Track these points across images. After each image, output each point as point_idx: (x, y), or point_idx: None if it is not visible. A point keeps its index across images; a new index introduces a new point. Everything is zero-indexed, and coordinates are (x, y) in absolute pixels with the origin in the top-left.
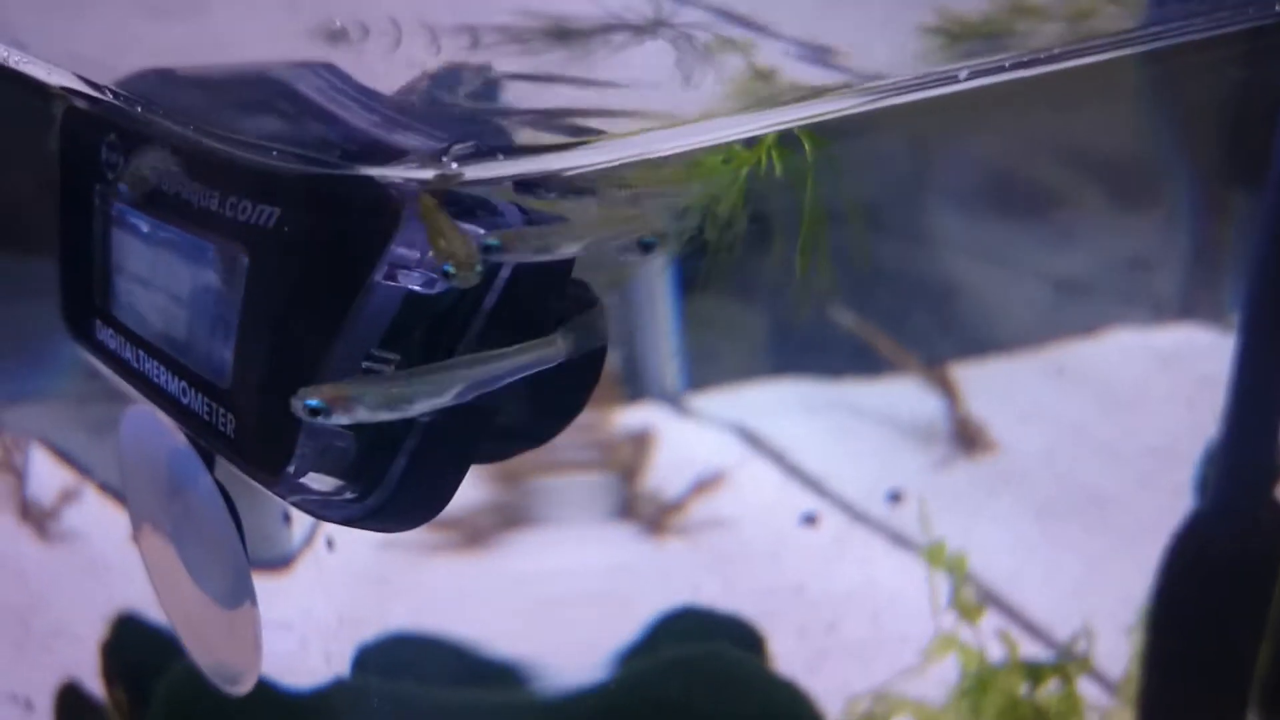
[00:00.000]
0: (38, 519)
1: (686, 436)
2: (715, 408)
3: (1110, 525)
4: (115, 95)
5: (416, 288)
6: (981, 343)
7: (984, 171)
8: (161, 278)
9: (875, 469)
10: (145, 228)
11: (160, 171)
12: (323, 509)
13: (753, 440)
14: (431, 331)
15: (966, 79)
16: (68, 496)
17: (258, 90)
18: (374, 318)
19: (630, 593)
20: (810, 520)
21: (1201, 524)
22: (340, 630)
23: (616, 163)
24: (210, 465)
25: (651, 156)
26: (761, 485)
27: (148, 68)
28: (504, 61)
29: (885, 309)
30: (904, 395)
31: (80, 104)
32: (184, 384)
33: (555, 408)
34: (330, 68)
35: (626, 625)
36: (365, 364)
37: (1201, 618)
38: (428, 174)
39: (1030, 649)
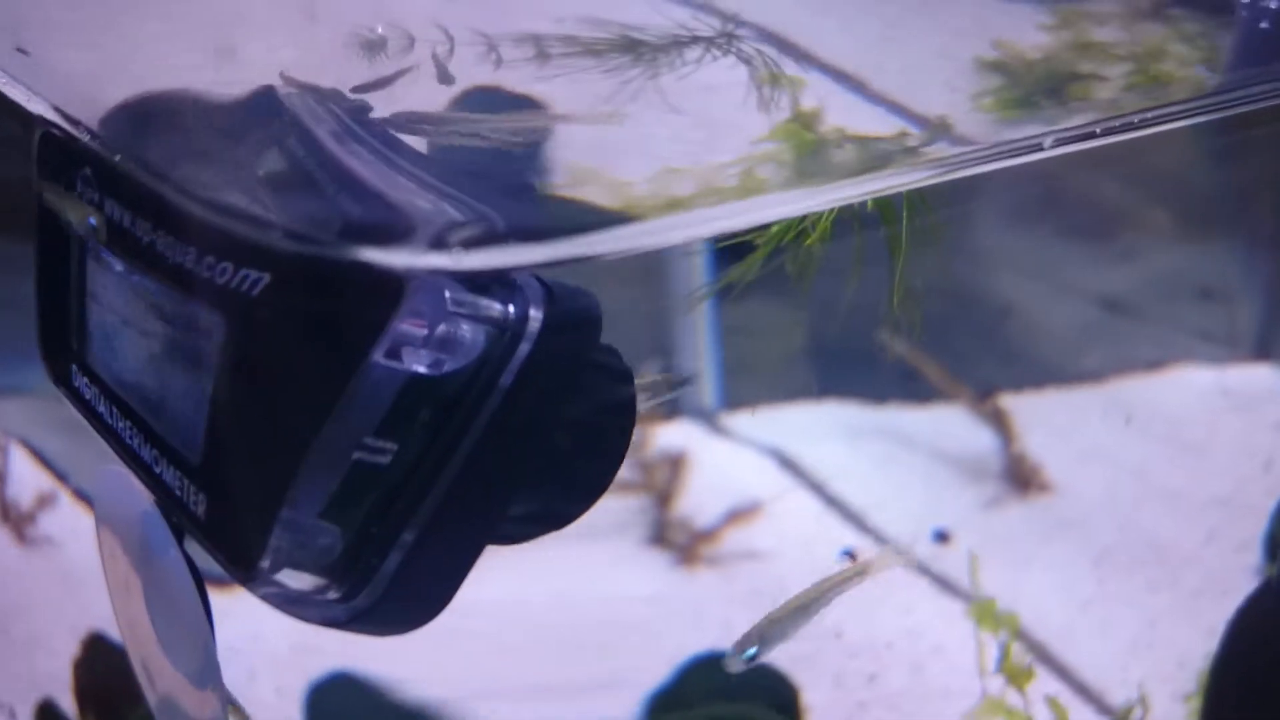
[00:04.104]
0: (16, 522)
1: (722, 458)
2: (753, 429)
3: (1171, 580)
4: (92, 135)
5: (422, 369)
6: (1039, 373)
7: (1045, 187)
8: (135, 330)
9: (921, 505)
10: (120, 270)
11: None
12: (299, 608)
13: (791, 466)
14: (438, 417)
15: (1044, 147)
16: (44, 501)
17: (256, 126)
18: (370, 402)
19: (661, 626)
20: (850, 557)
21: (1269, 595)
22: (292, 660)
23: (669, 244)
24: (180, 538)
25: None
26: (799, 516)
27: (127, 101)
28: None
29: (937, 332)
30: (954, 425)
31: (57, 131)
32: (156, 452)
33: (579, 485)
34: (341, 102)
35: (656, 663)
36: (357, 454)
37: (1262, 697)
38: (431, 261)
39: (1080, 712)
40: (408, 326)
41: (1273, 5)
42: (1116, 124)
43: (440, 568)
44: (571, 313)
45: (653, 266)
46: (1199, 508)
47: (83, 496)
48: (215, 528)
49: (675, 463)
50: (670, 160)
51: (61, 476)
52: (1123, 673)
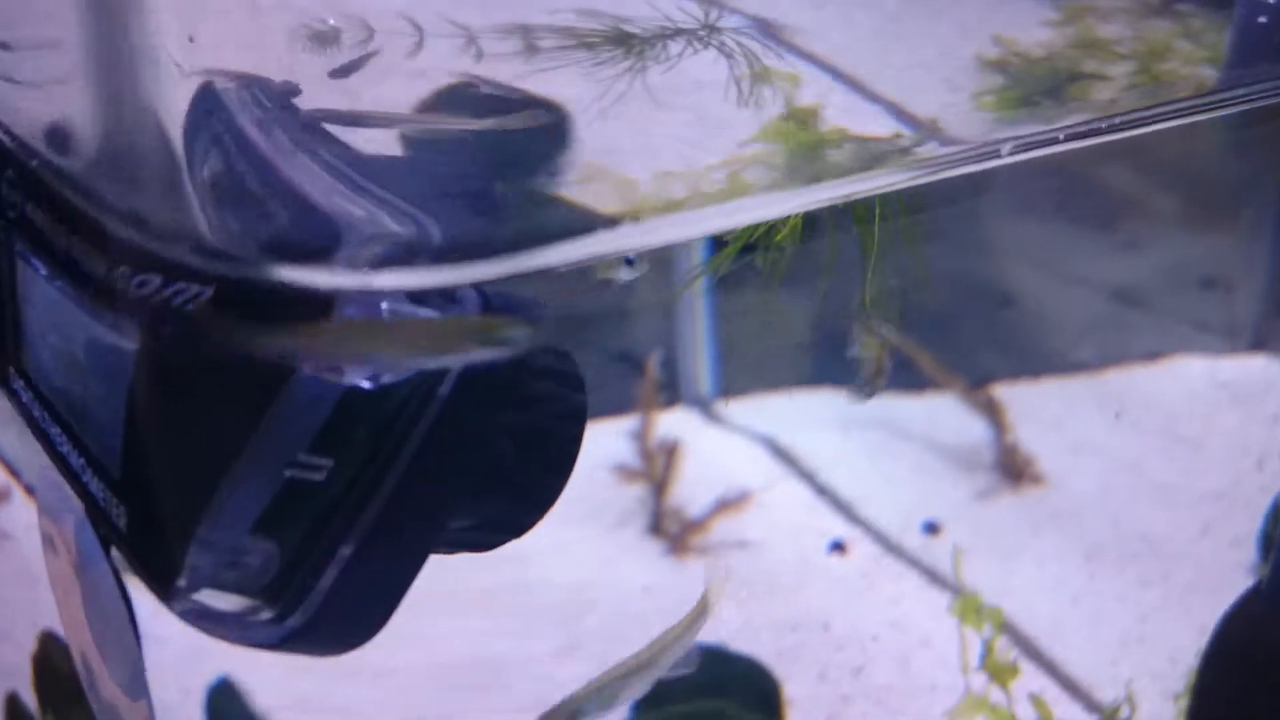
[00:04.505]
0: None
1: (716, 447)
2: (746, 417)
3: (1163, 575)
4: (12, 137)
5: (359, 382)
6: (1035, 363)
7: (1046, 173)
8: (60, 335)
9: (912, 496)
10: (45, 274)
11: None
12: (225, 629)
13: (783, 455)
14: (376, 430)
15: (1013, 151)
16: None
17: (199, 125)
18: (300, 417)
19: (653, 618)
20: (839, 548)
21: (1256, 604)
22: (192, 661)
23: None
24: (107, 549)
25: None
26: (790, 506)
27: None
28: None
29: (932, 319)
30: (948, 414)
31: None
32: (83, 460)
33: (528, 493)
34: (278, 98)
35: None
36: (290, 472)
37: (1247, 703)
38: (344, 281)
39: (1067, 710)
40: None
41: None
42: (1083, 129)
43: (379, 584)
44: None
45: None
46: (1193, 502)
47: (33, 492)
48: (135, 542)
49: (671, 451)
50: (665, 160)
51: (15, 472)
52: (1112, 669)
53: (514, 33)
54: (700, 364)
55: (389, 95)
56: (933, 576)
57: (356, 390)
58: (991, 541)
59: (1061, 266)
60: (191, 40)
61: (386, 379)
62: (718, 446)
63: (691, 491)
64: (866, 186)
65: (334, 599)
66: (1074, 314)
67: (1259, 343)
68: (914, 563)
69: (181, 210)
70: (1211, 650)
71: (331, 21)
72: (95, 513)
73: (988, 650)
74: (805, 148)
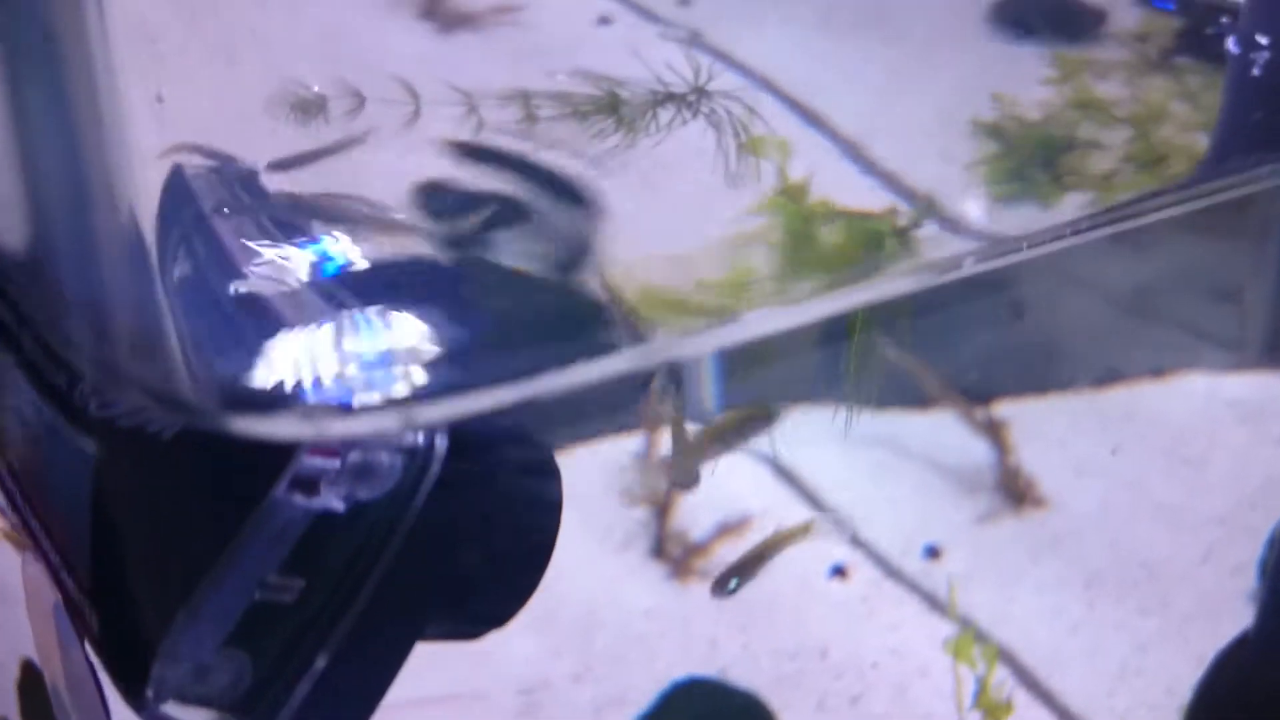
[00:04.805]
0: None
1: (719, 466)
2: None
3: (1163, 603)
4: None
5: (332, 505)
6: (1042, 378)
7: None
8: (30, 434)
9: (914, 518)
10: (11, 363)
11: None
12: None
13: (785, 474)
14: (350, 550)
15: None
16: None
17: (171, 218)
18: (274, 539)
19: (655, 643)
20: (840, 573)
21: (1245, 653)
22: None
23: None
24: (82, 640)
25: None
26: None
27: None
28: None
29: (933, 330)
30: (951, 432)
31: None
32: (59, 559)
33: (507, 588)
34: (250, 187)
35: (646, 682)
36: (260, 594)
37: None
38: (306, 432)
39: None
40: (316, 460)
41: (1263, 55)
42: (1048, 237)
43: (355, 692)
44: (475, 430)
45: None
46: (1196, 526)
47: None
48: (106, 647)
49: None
50: (655, 242)
51: None
52: (1109, 700)
53: (513, 99)
54: (705, 382)
55: (391, 167)
56: (932, 602)
57: (330, 514)
58: (992, 567)
59: (1061, 269)
60: (161, 100)
61: (363, 496)
62: (721, 466)
63: (694, 512)
64: (866, 297)
65: (308, 711)
66: (1082, 326)
67: (1271, 359)
68: (914, 588)
69: (150, 339)
70: (1200, 696)
71: (317, 88)
72: (73, 611)
73: (981, 687)
74: (800, 224)
